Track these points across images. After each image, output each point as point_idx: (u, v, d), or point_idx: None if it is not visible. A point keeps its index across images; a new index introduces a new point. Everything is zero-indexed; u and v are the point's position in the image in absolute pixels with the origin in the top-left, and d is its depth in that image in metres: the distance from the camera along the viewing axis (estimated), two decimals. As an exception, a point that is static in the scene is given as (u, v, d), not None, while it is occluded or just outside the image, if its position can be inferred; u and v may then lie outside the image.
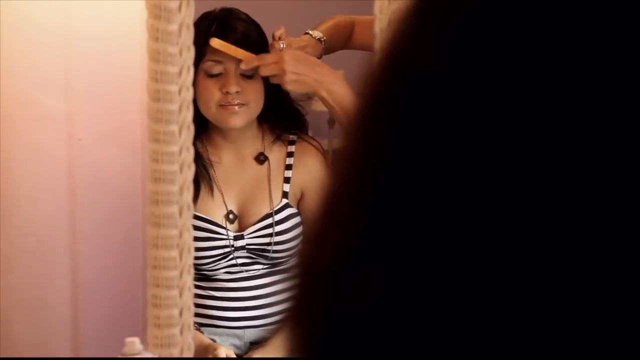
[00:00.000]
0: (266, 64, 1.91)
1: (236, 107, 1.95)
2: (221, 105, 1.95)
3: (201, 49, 1.92)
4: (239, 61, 1.95)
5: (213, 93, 1.95)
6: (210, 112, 1.97)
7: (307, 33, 2.09)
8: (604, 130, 0.31)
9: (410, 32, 0.35)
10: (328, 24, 2.13)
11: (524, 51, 0.32)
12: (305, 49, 2.04)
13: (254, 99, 1.97)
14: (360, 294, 0.33)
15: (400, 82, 0.35)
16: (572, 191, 0.31)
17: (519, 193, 0.31)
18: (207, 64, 1.96)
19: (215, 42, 1.93)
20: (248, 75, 1.97)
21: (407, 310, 0.32)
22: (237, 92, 1.94)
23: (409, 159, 0.33)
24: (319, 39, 2.08)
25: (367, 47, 2.08)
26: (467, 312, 0.31)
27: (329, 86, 1.92)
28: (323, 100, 1.94)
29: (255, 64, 1.92)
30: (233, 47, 1.93)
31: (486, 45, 0.33)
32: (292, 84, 1.91)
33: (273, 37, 2.02)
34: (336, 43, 2.13)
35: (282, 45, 2.00)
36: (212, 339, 2.00)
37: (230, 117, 1.95)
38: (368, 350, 0.33)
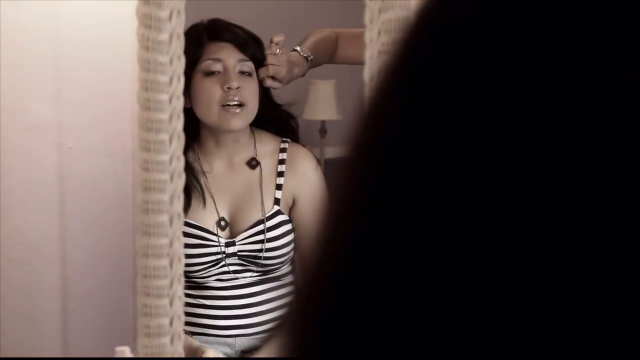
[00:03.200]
0: None
1: (237, 109, 1.95)
2: (223, 107, 1.96)
3: (196, 52, 1.93)
4: (237, 58, 1.97)
5: (214, 92, 1.96)
6: (211, 113, 1.97)
7: (295, 50, 2.12)
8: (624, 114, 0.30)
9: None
10: (314, 38, 2.17)
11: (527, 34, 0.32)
12: (293, 66, 2.06)
13: (252, 98, 1.98)
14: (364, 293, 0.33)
15: (424, 38, 0.34)
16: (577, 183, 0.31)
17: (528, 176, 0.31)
18: (205, 64, 1.97)
19: None
20: (245, 73, 1.99)
21: (412, 313, 0.32)
22: (237, 87, 1.95)
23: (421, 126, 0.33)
24: (305, 57, 2.10)
25: (351, 61, 2.16)
26: (468, 317, 0.31)
27: None
28: None
29: None
30: None
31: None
32: None
33: (271, 41, 2.05)
34: (321, 58, 2.17)
35: (277, 51, 2.02)
36: (203, 348, 2.00)
37: (232, 119, 1.96)
38: (370, 345, 0.33)
